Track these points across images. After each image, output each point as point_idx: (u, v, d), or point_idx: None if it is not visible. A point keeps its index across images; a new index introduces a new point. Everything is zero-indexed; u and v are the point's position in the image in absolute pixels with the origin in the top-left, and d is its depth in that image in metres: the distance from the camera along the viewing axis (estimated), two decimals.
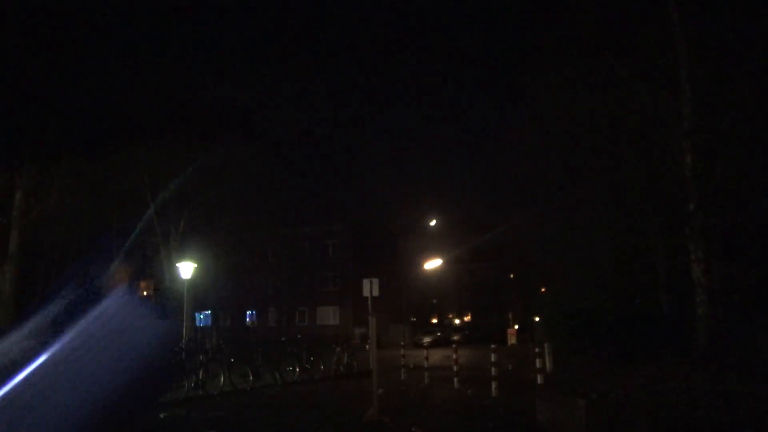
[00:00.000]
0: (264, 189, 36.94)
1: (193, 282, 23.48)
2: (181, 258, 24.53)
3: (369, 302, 14.09)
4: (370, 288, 14.35)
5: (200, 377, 13.83)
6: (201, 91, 32.96)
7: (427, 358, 16.66)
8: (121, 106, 30.35)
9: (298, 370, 16.66)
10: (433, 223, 50.12)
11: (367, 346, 12.33)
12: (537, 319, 34.18)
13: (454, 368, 14.90)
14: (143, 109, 30.74)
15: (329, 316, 48.12)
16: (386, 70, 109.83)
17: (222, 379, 14.20)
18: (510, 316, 51.65)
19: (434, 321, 66.27)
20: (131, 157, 30.63)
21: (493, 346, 13.76)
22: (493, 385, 12.77)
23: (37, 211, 27.97)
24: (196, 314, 42.59)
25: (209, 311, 49.28)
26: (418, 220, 58.23)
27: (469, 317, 69.94)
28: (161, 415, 11.10)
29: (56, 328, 4.24)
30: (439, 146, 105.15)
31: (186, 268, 19.68)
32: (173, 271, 28.90)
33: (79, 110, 28.56)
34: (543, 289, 44.79)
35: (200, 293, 36.78)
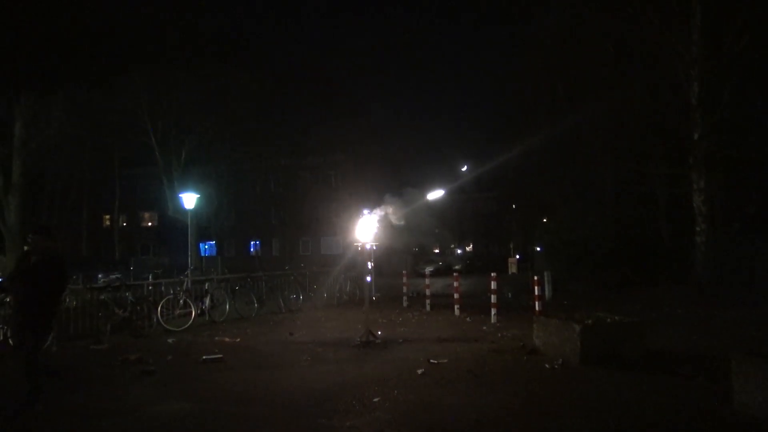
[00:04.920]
0: (265, 119, 36.62)
1: (196, 212, 23.57)
2: (183, 188, 24.57)
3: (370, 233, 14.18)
4: (371, 218, 14.41)
5: (206, 305, 14.14)
6: (200, 16, 32.10)
7: (428, 287, 16.92)
8: (119, 32, 29.76)
9: (301, 297, 16.97)
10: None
11: (368, 277, 12.52)
12: (538, 248, 34.51)
13: (455, 296, 15.16)
14: (142, 35, 30.19)
15: (332, 245, 48.60)
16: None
17: (227, 307, 14.53)
18: (511, 245, 52.08)
19: (436, 251, 66.97)
20: (130, 84, 30.25)
21: (493, 274, 13.95)
22: (493, 312, 13.05)
23: (37, 141, 27.84)
24: (201, 244, 43.05)
25: (213, 241, 49.78)
26: (421, 149, 57.86)
27: (471, 247, 70.58)
28: (169, 340, 11.43)
29: None
30: (443, 74, 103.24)
31: (189, 199, 19.65)
32: (176, 201, 29.05)
33: (76, 37, 28.00)
34: (545, 220, 44.96)
35: (204, 223, 37.04)
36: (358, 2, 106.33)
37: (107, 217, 54.82)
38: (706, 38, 18.01)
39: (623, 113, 21.43)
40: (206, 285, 14.72)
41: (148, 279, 16.73)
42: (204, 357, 9.31)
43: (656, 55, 19.62)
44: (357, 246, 11.54)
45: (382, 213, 11.81)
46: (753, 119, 20.25)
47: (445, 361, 8.62)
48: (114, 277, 23.51)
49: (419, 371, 7.96)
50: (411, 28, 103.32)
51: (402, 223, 12.24)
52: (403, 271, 19.35)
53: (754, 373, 5.53)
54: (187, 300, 13.60)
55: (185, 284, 14.28)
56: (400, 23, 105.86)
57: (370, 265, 12.21)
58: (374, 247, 11.46)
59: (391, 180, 54.12)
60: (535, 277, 13.68)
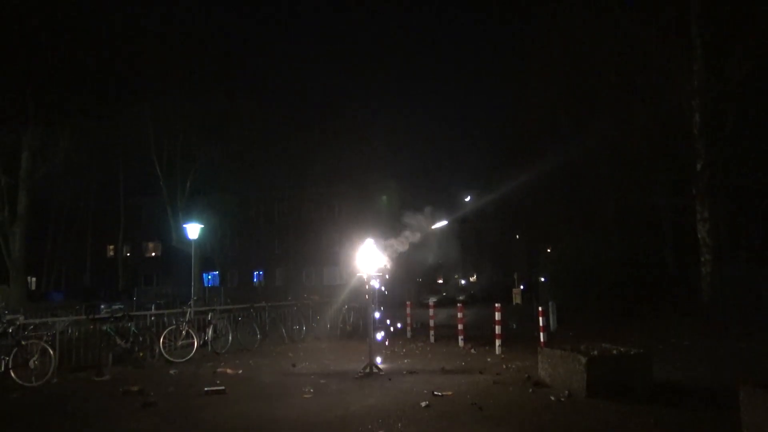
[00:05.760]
0: (269, 149, 36.85)
1: (200, 242, 23.57)
2: (187, 218, 24.59)
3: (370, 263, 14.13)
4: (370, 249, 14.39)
5: (209, 336, 14.05)
6: (203, 45, 32.37)
7: (432, 317, 16.78)
8: (125, 63, 30.09)
9: (304, 328, 16.86)
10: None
11: (377, 314, 12.43)
12: (542, 279, 34.37)
13: (459, 327, 15.04)
14: (147, 65, 30.51)
15: (335, 275, 48.46)
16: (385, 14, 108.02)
17: (230, 338, 14.44)
18: (515, 275, 51.83)
19: (440, 281, 66.68)
20: (137, 114, 30.52)
21: (497, 305, 13.85)
22: (497, 343, 12.94)
23: (43, 171, 28.03)
24: (204, 274, 42.98)
25: (217, 271, 49.73)
26: (425, 179, 57.88)
27: (474, 277, 70.29)
28: (171, 372, 11.35)
29: None
30: (444, 105, 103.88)
31: (193, 229, 19.67)
32: (180, 231, 29.10)
33: (82, 67, 28.35)
34: (549, 249, 44.87)
35: (207, 254, 37.01)
36: (360, 23, 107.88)
37: (111, 247, 54.92)
38: (707, 69, 18.16)
39: (626, 141, 21.52)
40: (209, 315, 14.63)
41: (151, 309, 16.67)
42: (206, 388, 9.23)
43: (658, 84, 19.77)
44: (361, 276, 11.46)
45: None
46: (756, 148, 20.29)
47: (450, 393, 8.52)
48: (117, 307, 23.46)
49: (423, 404, 7.86)
50: (412, 48, 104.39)
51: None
52: (407, 302, 19.23)
53: (763, 405, 5.44)
54: (190, 331, 13.51)
55: (188, 315, 14.20)
56: (400, 40, 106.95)
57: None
58: (383, 277, 11.41)
59: (396, 209, 54.25)
60: (540, 308, 13.57)
